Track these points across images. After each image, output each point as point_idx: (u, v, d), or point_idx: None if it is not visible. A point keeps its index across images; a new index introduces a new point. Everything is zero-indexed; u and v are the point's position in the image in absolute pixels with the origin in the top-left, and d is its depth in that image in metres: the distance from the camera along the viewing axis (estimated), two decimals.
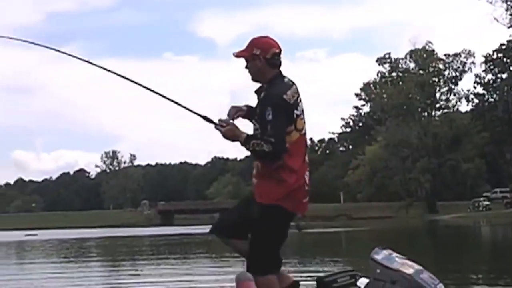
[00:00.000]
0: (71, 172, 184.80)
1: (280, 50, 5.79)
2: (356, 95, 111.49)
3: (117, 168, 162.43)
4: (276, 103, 5.49)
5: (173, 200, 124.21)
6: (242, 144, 5.60)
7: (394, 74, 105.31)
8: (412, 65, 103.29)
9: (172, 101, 5.85)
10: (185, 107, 5.83)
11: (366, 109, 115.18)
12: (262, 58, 5.67)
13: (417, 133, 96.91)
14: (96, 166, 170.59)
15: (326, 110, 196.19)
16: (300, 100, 5.75)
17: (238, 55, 5.75)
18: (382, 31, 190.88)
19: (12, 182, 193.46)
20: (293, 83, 5.77)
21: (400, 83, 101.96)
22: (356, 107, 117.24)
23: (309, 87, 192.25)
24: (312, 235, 46.74)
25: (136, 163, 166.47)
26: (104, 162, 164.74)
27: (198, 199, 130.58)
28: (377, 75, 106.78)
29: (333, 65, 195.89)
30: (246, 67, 5.79)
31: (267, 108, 5.48)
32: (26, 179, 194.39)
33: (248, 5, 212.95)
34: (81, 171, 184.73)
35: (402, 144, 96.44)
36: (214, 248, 26.15)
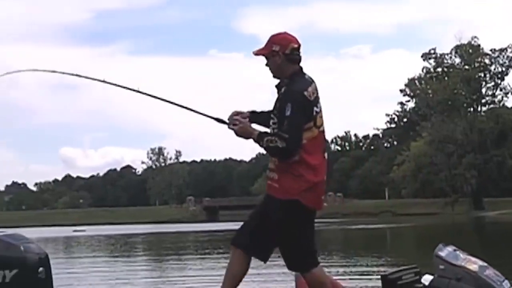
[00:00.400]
0: (118, 169, 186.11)
1: (299, 45, 5.79)
2: (401, 91, 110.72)
3: (163, 164, 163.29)
4: (296, 99, 5.53)
5: (218, 196, 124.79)
6: (255, 141, 5.65)
7: (439, 69, 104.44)
8: (457, 60, 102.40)
9: (183, 106, 5.98)
10: (196, 111, 5.94)
11: (411, 105, 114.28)
12: (281, 54, 5.69)
13: (462, 129, 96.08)
14: (142, 162, 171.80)
15: (371, 106, 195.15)
16: (319, 97, 5.77)
17: (257, 53, 5.82)
18: (427, 26, 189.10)
19: (60, 178, 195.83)
20: (313, 81, 5.79)
21: (446, 78, 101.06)
22: (401, 103, 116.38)
23: (354, 83, 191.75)
24: (357, 232, 46.76)
25: (181, 159, 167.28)
26: (150, 159, 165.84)
27: (243, 195, 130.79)
28: (422, 70, 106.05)
29: (377, 61, 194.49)
30: (267, 65, 5.82)
31: (287, 104, 5.50)
32: (74, 175, 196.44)
33: (293, 1, 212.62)
34: (128, 167, 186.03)
35: (448, 140, 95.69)
36: None
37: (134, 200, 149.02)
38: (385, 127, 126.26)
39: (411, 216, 80.00)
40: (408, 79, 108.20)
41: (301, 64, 5.82)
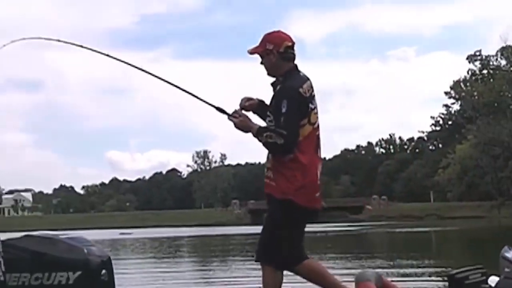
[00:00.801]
0: (164, 172, 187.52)
1: (293, 43, 5.83)
2: (446, 93, 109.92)
3: (208, 167, 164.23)
4: (292, 96, 5.57)
5: (262, 199, 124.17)
6: (254, 135, 5.68)
7: (484, 71, 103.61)
8: (503, 62, 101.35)
9: (186, 91, 6.01)
10: (198, 97, 5.96)
11: (456, 107, 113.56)
12: (275, 52, 5.72)
13: (508, 131, 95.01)
14: (188, 165, 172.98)
15: (416, 108, 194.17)
16: (315, 95, 5.79)
17: (252, 51, 5.85)
18: (472, 28, 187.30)
19: (107, 181, 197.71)
20: (308, 78, 5.80)
21: (491, 80, 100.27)
22: (446, 106, 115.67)
23: (398, 86, 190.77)
24: (404, 235, 46.70)
25: (226, 162, 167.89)
26: (196, 162, 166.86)
27: None
28: (468, 72, 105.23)
29: (422, 63, 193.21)
30: (261, 63, 5.85)
31: (283, 101, 5.54)
32: (121, 178, 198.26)
33: (338, 4, 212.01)
34: (173, 170, 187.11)
35: (493, 142, 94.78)
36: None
37: (179, 203, 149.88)
38: (430, 129, 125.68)
39: (456, 219, 79.48)
40: (453, 81, 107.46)
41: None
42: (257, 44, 5.85)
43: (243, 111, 5.85)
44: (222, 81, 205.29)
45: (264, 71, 5.89)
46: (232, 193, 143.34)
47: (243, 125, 5.76)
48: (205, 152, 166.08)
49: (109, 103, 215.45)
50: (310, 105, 5.69)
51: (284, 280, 5.75)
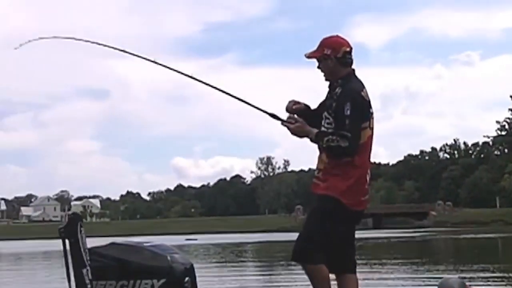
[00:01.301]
0: (228, 178, 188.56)
1: (351, 48, 5.74)
2: None
3: (271, 173, 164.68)
4: (355, 99, 5.51)
5: None
6: (313, 140, 5.62)
7: None
8: None
9: (238, 98, 5.94)
10: (250, 104, 5.90)
11: None
12: (333, 57, 5.66)
13: None
14: (251, 172, 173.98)
15: (480, 113, 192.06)
16: (370, 101, 5.72)
17: (309, 56, 5.78)
18: None
19: (172, 188, 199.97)
20: (364, 85, 5.74)
21: None
22: None
23: (462, 90, 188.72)
24: (467, 241, 46.41)
25: (289, 168, 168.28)
26: (259, 168, 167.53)
27: None
28: None
29: (487, 67, 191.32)
30: (318, 67, 5.79)
31: (346, 103, 5.46)
32: (186, 185, 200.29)
33: (400, 9, 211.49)
34: (237, 177, 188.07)
35: None
36: (364, 251, 26.92)
37: (243, 209, 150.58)
38: (495, 134, 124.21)
39: None
40: None
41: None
42: (315, 48, 5.79)
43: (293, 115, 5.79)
44: (285, 87, 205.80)
45: (322, 76, 5.85)
46: (295, 199, 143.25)
47: (299, 130, 5.70)
48: (269, 158, 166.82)
49: (173, 111, 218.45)
50: (371, 109, 5.65)
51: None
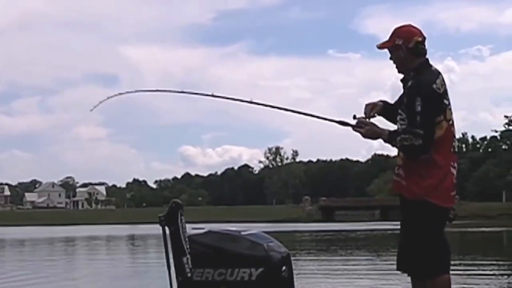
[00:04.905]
0: (236, 168, 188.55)
1: (424, 38, 5.54)
2: None
3: (279, 164, 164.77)
4: (426, 93, 5.30)
5: (333, 196, 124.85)
6: (386, 141, 5.46)
7: None
8: None
9: (304, 113, 5.89)
10: (319, 117, 5.81)
11: None
12: (404, 48, 5.48)
13: None
14: (260, 161, 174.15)
15: (489, 107, 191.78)
16: (447, 90, 5.51)
17: (381, 46, 5.62)
18: None
19: (179, 176, 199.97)
20: (439, 73, 5.52)
21: None
22: None
23: (472, 84, 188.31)
24: (474, 234, 46.23)
25: (298, 159, 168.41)
26: (267, 158, 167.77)
27: (359, 195, 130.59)
28: None
29: (497, 62, 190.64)
30: (391, 58, 5.63)
31: (416, 99, 5.27)
32: (193, 173, 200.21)
33: (413, 1, 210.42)
34: (245, 166, 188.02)
35: None
36: (375, 244, 26.78)
37: (250, 199, 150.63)
38: (503, 128, 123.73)
39: None
40: None
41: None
42: (387, 38, 5.63)
43: (368, 119, 5.63)
44: (295, 76, 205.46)
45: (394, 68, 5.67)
46: (303, 190, 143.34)
47: (371, 133, 5.54)
48: (277, 148, 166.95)
49: (182, 99, 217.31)
50: (445, 101, 5.43)
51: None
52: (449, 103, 5.47)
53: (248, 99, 6.13)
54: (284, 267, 6.09)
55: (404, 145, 5.30)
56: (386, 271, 15.25)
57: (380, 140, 5.53)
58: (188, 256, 5.98)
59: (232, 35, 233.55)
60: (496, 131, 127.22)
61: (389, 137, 5.43)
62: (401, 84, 5.60)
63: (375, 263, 19.74)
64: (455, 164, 5.53)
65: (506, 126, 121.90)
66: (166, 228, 6.03)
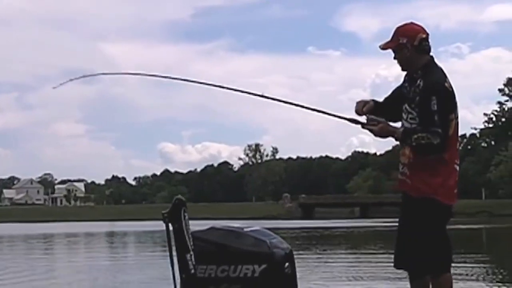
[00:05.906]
0: (215, 164, 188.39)
1: (427, 35, 5.49)
2: (500, 90, 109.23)
3: (259, 161, 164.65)
4: (440, 92, 5.29)
5: (313, 193, 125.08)
6: (400, 139, 5.43)
7: None
8: None
9: (314, 109, 5.79)
10: (328, 113, 5.71)
11: (510, 104, 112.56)
12: (409, 46, 5.42)
13: None
14: (239, 158, 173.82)
15: (469, 105, 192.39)
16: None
17: (384, 47, 5.56)
18: None
19: (158, 173, 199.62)
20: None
21: None
22: (500, 103, 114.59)
23: (451, 81, 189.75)
24: (453, 232, 46.43)
25: (278, 156, 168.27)
26: (247, 155, 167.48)
27: (338, 193, 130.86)
28: None
29: (476, 60, 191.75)
30: (395, 58, 5.56)
31: (431, 97, 5.23)
32: (172, 170, 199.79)
33: None
34: (225, 163, 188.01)
35: None
36: (354, 241, 26.82)
37: (230, 196, 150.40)
38: (482, 126, 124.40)
39: (509, 217, 78.69)
40: (508, 79, 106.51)
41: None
42: (389, 39, 5.55)
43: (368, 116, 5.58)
44: (276, 74, 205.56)
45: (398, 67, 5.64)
46: (283, 187, 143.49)
47: (384, 131, 5.49)
48: (257, 145, 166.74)
49: (161, 96, 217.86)
50: (455, 100, 5.47)
51: None
52: (456, 102, 5.51)
53: (260, 93, 5.99)
54: (287, 264, 6.12)
55: (421, 144, 5.24)
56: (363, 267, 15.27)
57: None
58: (192, 252, 6.01)
59: (211, 32, 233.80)
60: (475, 129, 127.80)
61: (403, 136, 5.38)
62: (398, 83, 5.65)
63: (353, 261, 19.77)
64: (458, 162, 5.56)
65: (486, 124, 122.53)
66: (170, 225, 6.12)
